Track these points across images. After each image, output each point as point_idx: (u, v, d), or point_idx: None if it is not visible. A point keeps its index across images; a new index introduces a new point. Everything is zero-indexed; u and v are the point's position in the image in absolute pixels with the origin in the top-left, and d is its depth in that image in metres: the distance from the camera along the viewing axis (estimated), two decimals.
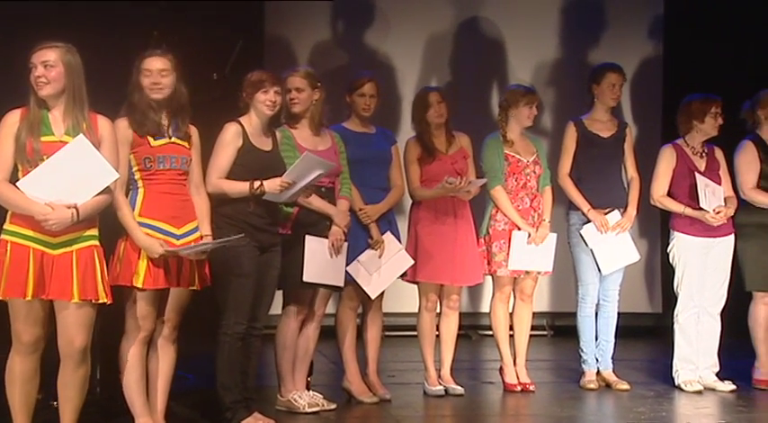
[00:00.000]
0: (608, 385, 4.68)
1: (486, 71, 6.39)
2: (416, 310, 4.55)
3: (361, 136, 4.38)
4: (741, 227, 4.67)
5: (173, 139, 3.55)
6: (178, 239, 3.53)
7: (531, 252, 4.53)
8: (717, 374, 4.65)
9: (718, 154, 4.73)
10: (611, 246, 4.64)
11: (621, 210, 4.69)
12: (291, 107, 4.07)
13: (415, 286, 4.55)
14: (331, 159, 4.09)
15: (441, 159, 4.47)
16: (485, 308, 5.31)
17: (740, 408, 4.32)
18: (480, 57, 6.38)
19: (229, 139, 3.81)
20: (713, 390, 4.59)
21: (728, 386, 4.58)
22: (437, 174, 4.41)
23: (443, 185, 4.33)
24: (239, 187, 3.76)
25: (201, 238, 3.59)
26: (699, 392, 4.55)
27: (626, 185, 4.75)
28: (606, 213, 4.65)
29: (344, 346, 4.37)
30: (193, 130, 3.63)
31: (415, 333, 4.59)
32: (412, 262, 4.38)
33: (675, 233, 4.66)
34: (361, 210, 4.27)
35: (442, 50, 6.36)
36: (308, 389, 4.19)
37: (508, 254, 4.52)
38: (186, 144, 3.59)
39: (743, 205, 4.67)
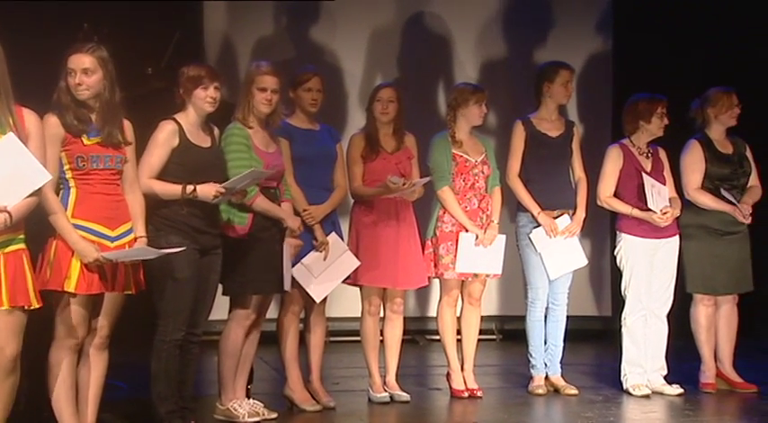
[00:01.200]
0: (556, 390, 4.74)
1: (433, 68, 6.42)
2: (359, 315, 4.56)
3: (307, 133, 4.37)
4: (684, 227, 4.77)
5: (107, 138, 3.49)
6: (112, 241, 3.48)
7: (479, 254, 4.57)
8: (665, 378, 4.74)
9: (662, 154, 4.83)
10: (559, 250, 4.69)
11: (570, 211, 4.75)
12: (261, 107, 4.00)
13: (358, 289, 4.55)
14: (277, 161, 4.08)
15: (385, 158, 4.48)
16: (432, 312, 5.34)
17: (687, 412, 4.42)
18: (427, 53, 6.40)
19: (164, 139, 3.76)
20: (661, 393, 4.68)
21: (676, 390, 4.68)
22: (380, 172, 4.42)
23: (386, 185, 4.34)
24: (171, 189, 3.72)
25: (136, 239, 3.55)
26: (647, 396, 4.64)
27: (574, 186, 4.82)
28: (556, 217, 4.71)
29: (286, 353, 4.36)
30: (128, 126, 3.58)
31: (358, 338, 4.60)
32: (358, 263, 4.39)
33: (622, 235, 4.74)
34: (305, 210, 4.25)
35: (388, 46, 6.37)
36: (249, 397, 4.16)
37: (455, 256, 4.54)
38: (121, 142, 3.53)
39: (686, 206, 4.77)
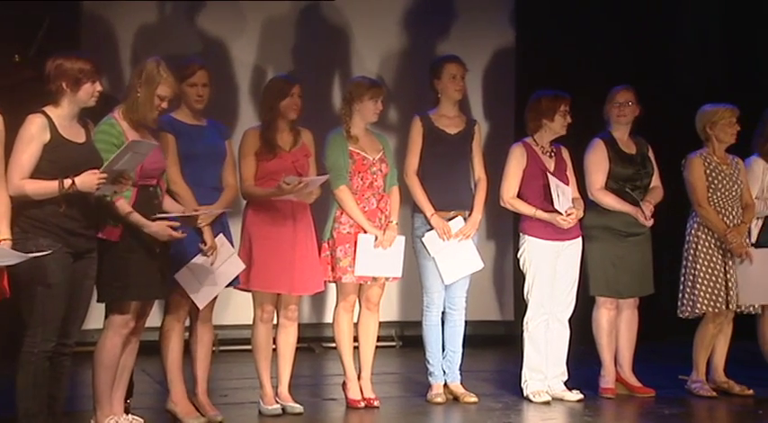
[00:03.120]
0: (456, 398, 4.80)
1: (330, 60, 6.41)
2: (251, 322, 4.53)
3: (193, 129, 4.31)
4: (587, 229, 4.90)
5: None
6: None
7: (378, 256, 4.58)
8: (565, 383, 4.86)
9: (565, 153, 4.94)
10: (454, 254, 4.74)
11: (466, 213, 4.81)
12: (154, 113, 3.92)
13: (250, 295, 4.52)
14: (155, 157, 4.00)
15: (281, 156, 4.46)
16: (328, 318, 5.36)
17: (586, 418, 4.56)
18: (323, 44, 6.39)
19: (33, 135, 3.65)
20: (561, 400, 4.80)
21: (576, 396, 4.81)
22: (275, 172, 4.40)
23: (280, 186, 4.31)
24: (47, 188, 3.62)
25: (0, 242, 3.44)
26: (547, 403, 4.75)
27: (473, 187, 4.88)
28: (450, 219, 4.76)
29: (169, 363, 4.30)
30: None
31: (249, 347, 4.57)
32: (243, 267, 4.36)
33: (526, 237, 4.83)
34: (195, 211, 4.19)
35: (282, 36, 6.32)
36: (128, 412, 4.09)
37: (354, 259, 4.55)
38: None
39: (589, 207, 4.89)
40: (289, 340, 4.56)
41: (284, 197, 4.39)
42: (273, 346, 4.56)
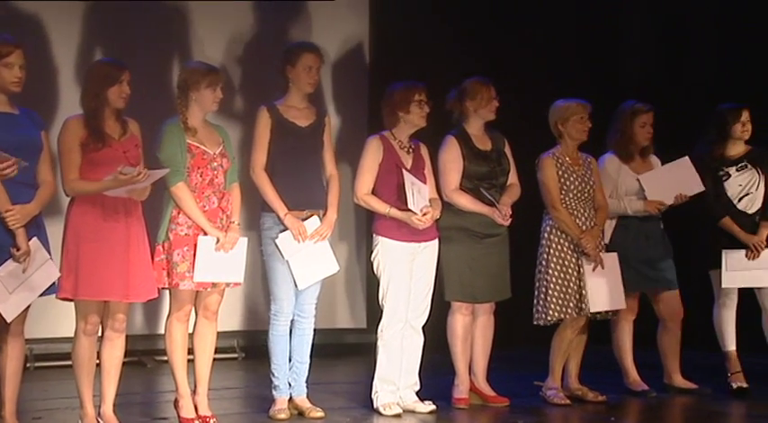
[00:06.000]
0: (300, 413, 4.77)
1: (166, 45, 6.29)
2: (71, 335, 4.36)
3: (5, 118, 4.12)
4: (443, 230, 4.93)
5: None
6: None
7: (219, 261, 4.49)
8: (417, 394, 4.88)
9: (423, 150, 4.96)
10: (309, 256, 4.69)
11: (321, 212, 4.78)
12: None
13: (69, 304, 4.34)
14: None
15: (111, 146, 4.31)
16: (162, 329, 5.22)
17: None
18: (159, 26, 6.27)
19: None
20: (413, 411, 4.82)
21: (428, 407, 4.84)
22: (106, 163, 4.24)
23: (116, 176, 4.17)
24: None
25: None
26: (398, 416, 4.76)
27: (325, 183, 4.85)
28: (304, 218, 4.71)
29: None
30: None
31: (69, 362, 4.41)
32: (58, 275, 4.19)
33: (380, 238, 4.82)
34: (7, 211, 4.00)
35: (110, 15, 6.16)
36: None
37: (193, 263, 4.44)
38: None
39: (445, 207, 4.92)
40: (114, 354, 4.41)
41: (115, 192, 4.24)
42: (97, 361, 4.40)
